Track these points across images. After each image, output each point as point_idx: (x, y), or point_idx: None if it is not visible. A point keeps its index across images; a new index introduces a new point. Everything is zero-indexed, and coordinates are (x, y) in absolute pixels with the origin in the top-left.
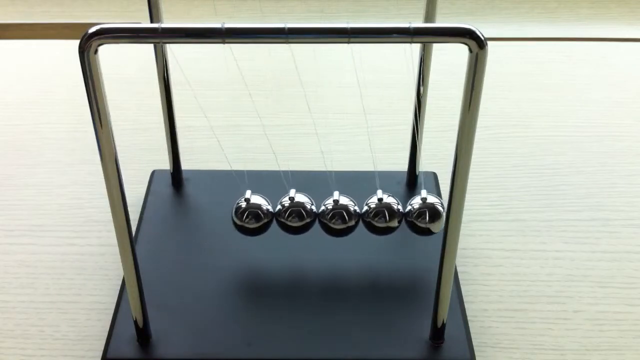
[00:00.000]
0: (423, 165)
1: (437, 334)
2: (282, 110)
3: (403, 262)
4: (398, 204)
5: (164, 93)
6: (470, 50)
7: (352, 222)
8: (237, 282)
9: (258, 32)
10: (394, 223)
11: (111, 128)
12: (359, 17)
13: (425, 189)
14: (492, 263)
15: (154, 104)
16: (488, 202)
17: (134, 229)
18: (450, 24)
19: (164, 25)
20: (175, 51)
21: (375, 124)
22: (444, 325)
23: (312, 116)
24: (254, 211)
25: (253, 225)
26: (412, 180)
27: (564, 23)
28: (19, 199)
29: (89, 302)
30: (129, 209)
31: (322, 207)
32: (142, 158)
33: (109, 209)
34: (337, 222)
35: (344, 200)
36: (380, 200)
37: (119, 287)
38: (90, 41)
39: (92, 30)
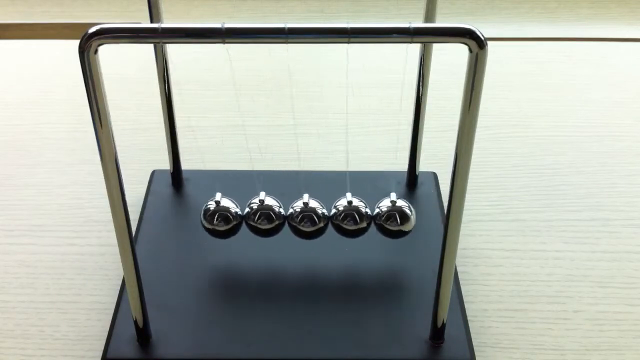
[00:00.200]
0: (423, 165)
1: (437, 334)
2: (282, 110)
3: (403, 262)
4: (366, 207)
5: (164, 93)
6: (470, 50)
7: (322, 224)
8: (237, 282)
9: (258, 32)
10: (363, 225)
11: (111, 128)
12: (359, 17)
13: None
14: (492, 263)
15: (154, 104)
16: (488, 202)
17: (134, 229)
18: (450, 24)
19: (164, 25)
20: (171, 53)
21: (375, 124)
22: (444, 325)
23: (299, 116)
24: (224, 214)
25: (222, 227)
26: (412, 180)
27: (564, 23)
28: (19, 199)
29: (89, 302)
30: (129, 209)
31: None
32: (142, 158)
33: (109, 209)
34: (307, 225)
35: (313, 204)
36: (349, 203)
37: (119, 287)
38: (90, 41)
39: (92, 30)
